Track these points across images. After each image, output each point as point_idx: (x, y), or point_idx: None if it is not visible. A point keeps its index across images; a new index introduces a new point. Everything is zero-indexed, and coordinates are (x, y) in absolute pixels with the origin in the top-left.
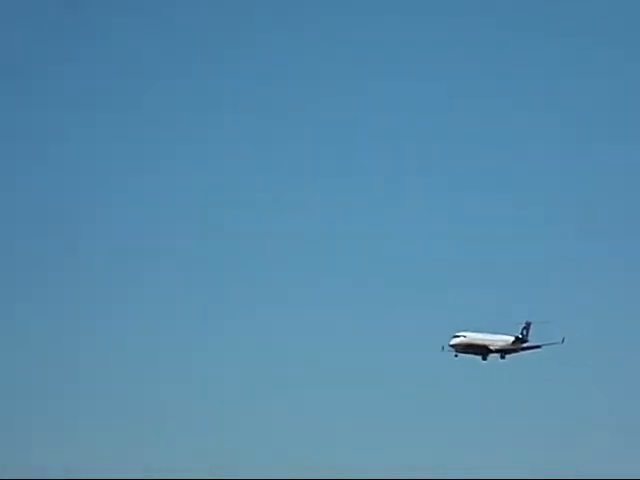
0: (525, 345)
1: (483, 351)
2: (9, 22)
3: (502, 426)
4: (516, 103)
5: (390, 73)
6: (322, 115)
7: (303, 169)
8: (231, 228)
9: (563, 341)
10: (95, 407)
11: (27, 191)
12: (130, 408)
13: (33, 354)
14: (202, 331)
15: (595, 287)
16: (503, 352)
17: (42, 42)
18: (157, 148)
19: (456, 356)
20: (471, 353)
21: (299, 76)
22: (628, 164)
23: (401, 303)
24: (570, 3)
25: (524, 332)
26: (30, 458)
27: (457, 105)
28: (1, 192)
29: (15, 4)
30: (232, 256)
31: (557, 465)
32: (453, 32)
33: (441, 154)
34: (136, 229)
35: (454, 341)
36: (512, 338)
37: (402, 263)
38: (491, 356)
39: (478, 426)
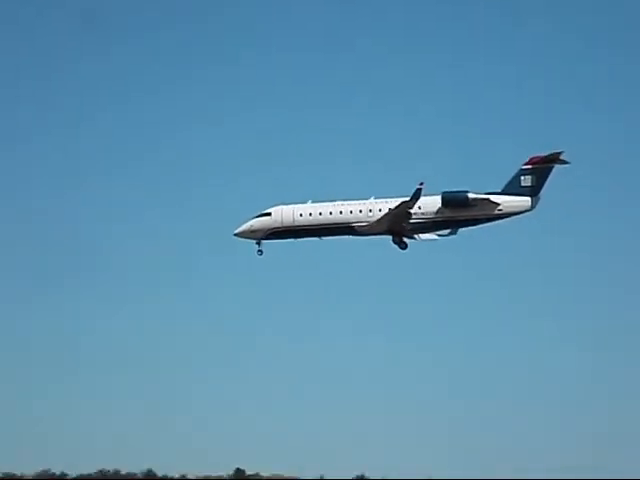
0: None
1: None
2: (25, 37)
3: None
4: None
5: None
6: None
7: None
8: None
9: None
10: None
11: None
12: (130, 407)
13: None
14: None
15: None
16: (397, 233)
17: (58, 56)
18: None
19: (259, 253)
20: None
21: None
22: None
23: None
24: None
25: (523, 179)
26: (30, 457)
27: None
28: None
29: (31, 19)
30: None
31: None
32: None
33: None
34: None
35: (245, 227)
36: (433, 202)
37: None
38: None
39: None
